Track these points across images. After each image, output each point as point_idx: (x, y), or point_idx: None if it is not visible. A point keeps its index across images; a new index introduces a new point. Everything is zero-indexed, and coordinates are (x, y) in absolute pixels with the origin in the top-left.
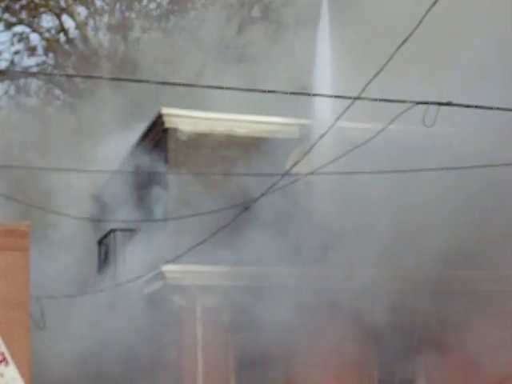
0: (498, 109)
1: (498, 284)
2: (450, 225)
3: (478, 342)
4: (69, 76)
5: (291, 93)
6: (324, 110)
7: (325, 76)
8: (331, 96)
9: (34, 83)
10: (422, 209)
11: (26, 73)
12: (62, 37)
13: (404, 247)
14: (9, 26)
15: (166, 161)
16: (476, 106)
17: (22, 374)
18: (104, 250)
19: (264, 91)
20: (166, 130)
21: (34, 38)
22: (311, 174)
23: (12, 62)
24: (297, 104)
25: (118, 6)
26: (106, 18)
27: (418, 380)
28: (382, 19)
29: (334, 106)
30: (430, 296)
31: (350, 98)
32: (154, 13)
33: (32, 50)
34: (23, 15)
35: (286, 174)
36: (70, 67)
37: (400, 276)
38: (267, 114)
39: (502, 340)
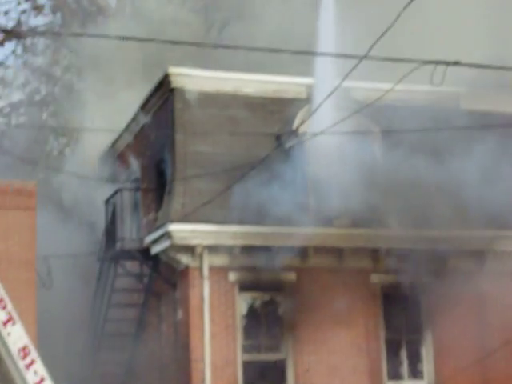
0: (506, 69)
1: (508, 244)
2: (459, 184)
3: (486, 302)
4: (75, 35)
5: (296, 52)
6: (327, 70)
7: (328, 35)
8: (338, 55)
9: (40, 42)
10: (428, 169)
11: (33, 32)
12: None
13: (411, 207)
14: None
15: (173, 121)
16: (484, 66)
17: (28, 333)
18: (111, 210)
19: (268, 50)
20: (172, 90)
21: None
22: (319, 133)
23: (19, 21)
24: (302, 63)
25: None
26: None
27: (424, 340)
28: None
29: (338, 66)
30: (436, 256)
31: (357, 57)
32: None
33: (39, 9)
34: None
35: (293, 133)
36: (77, 26)
37: (405, 235)
38: (273, 73)
39: (505, 299)
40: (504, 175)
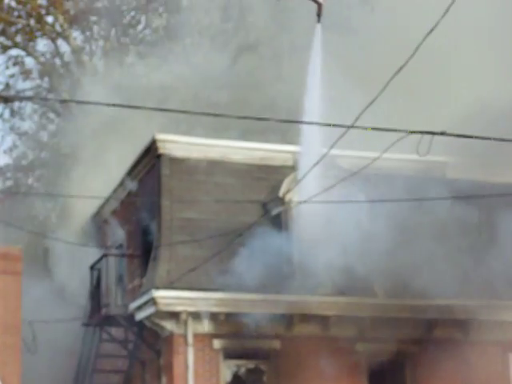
0: (492, 139)
1: (492, 313)
2: (445, 254)
3: (471, 371)
4: (63, 101)
5: (284, 121)
6: (313, 138)
7: (315, 103)
8: (325, 124)
9: (28, 107)
10: (414, 238)
11: (21, 97)
12: (57, 61)
13: (397, 275)
14: (4, 49)
15: (160, 187)
16: (469, 136)
17: None
18: (96, 275)
19: (256, 118)
20: (159, 156)
21: (29, 62)
22: (305, 202)
23: (7, 85)
24: (290, 131)
25: (113, 31)
26: (101, 43)
27: None
28: (375, 48)
29: (324, 134)
30: (422, 325)
31: (344, 126)
32: (149, 38)
33: (27, 74)
34: (18, 39)
35: (279, 200)
36: (65, 91)
37: (391, 304)
38: (261, 140)
39: (491, 368)
40: (489, 245)
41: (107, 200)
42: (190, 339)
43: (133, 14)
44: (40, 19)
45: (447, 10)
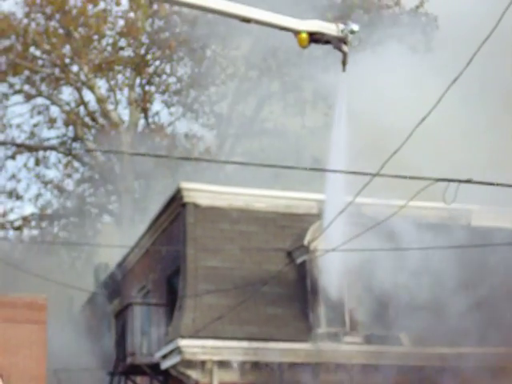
0: None
1: None
2: (472, 302)
3: None
4: (88, 151)
5: (310, 169)
6: (338, 186)
7: (340, 151)
8: (350, 172)
9: (53, 155)
10: (440, 287)
11: (46, 147)
12: (81, 110)
13: (423, 323)
14: (29, 97)
15: (184, 235)
16: (496, 184)
17: None
18: (121, 324)
19: (281, 167)
20: (184, 205)
21: (54, 111)
22: (331, 250)
23: (31, 134)
24: (313, 179)
25: (138, 80)
26: (126, 92)
27: None
28: (399, 95)
29: (348, 182)
30: (449, 372)
31: (369, 174)
32: (174, 87)
33: (52, 123)
34: (43, 87)
35: (304, 249)
36: (90, 140)
37: (417, 352)
38: (285, 188)
39: None
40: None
41: (132, 249)
42: None
43: (157, 63)
44: (64, 68)
45: (474, 54)
